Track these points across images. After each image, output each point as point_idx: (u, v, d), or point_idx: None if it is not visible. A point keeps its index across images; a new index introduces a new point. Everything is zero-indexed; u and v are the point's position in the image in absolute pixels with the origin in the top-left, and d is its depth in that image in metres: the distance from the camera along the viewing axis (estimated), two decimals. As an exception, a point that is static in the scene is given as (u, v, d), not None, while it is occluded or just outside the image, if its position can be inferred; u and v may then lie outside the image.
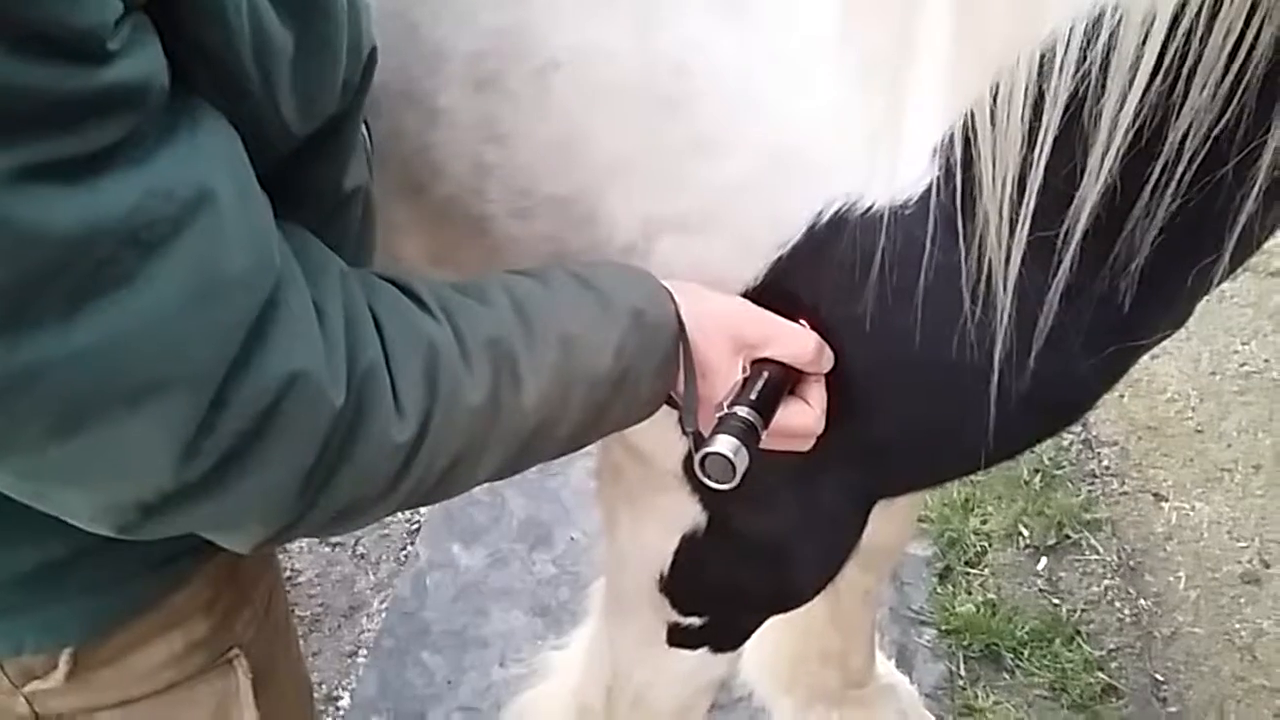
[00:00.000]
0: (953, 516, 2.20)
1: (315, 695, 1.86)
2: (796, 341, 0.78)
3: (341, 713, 1.86)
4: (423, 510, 2.22)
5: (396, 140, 0.87)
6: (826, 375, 0.81)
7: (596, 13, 0.80)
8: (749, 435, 0.73)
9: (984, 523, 2.21)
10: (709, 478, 0.74)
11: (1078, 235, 0.71)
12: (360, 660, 1.94)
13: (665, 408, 0.80)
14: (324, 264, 0.61)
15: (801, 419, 0.79)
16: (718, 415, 0.75)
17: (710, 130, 0.78)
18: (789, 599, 1.10)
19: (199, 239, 0.50)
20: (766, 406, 0.76)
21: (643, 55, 0.79)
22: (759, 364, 0.78)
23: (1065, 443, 2.39)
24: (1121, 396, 2.50)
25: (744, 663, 1.78)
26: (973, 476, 2.29)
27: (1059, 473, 2.33)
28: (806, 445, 0.81)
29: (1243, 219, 0.71)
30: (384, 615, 2.02)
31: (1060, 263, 0.72)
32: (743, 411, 0.74)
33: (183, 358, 0.50)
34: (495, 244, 0.90)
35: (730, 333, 0.77)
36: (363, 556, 2.14)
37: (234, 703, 0.78)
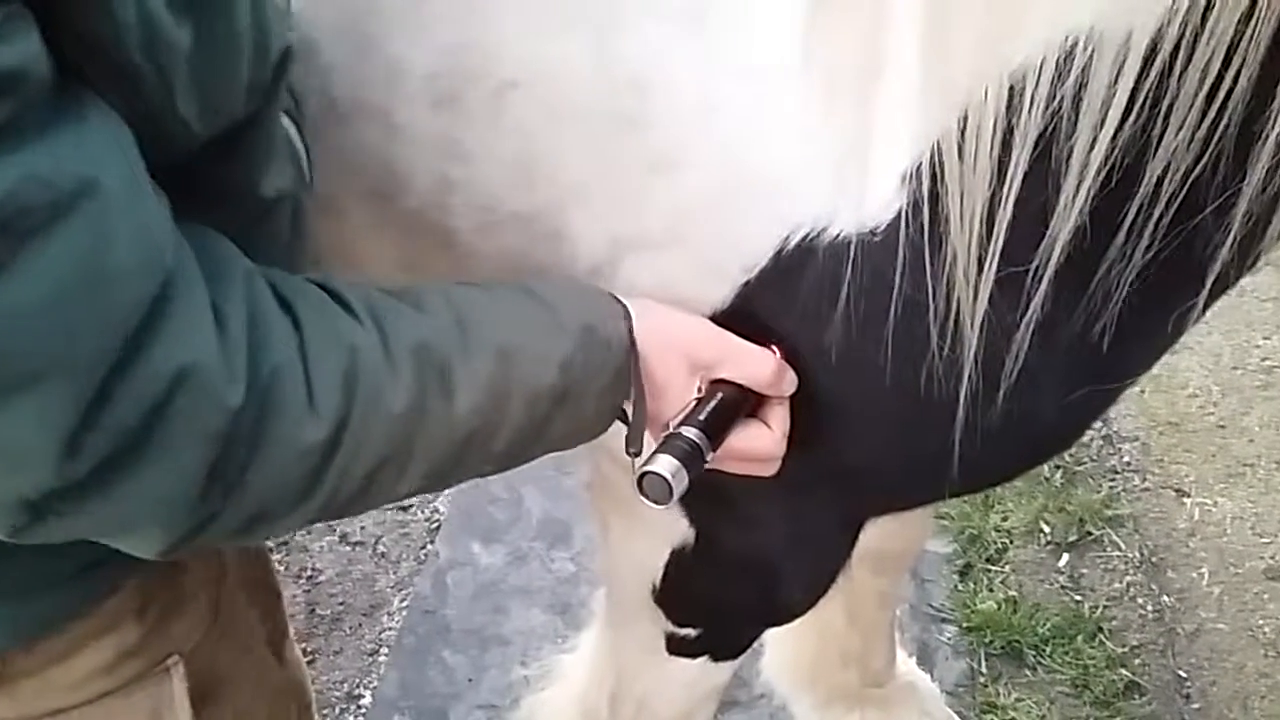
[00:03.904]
0: (973, 513, 2.19)
1: (337, 694, 1.88)
2: (754, 363, 0.76)
3: (363, 711, 1.86)
4: (442, 509, 2.22)
5: (360, 150, 0.86)
6: (798, 400, 0.79)
7: (551, 32, 0.79)
8: (692, 457, 0.72)
9: (1005, 519, 2.20)
10: (645, 496, 0.72)
11: (1049, 274, 0.70)
12: (381, 659, 1.95)
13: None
14: (227, 263, 0.59)
15: (758, 443, 0.77)
16: (663, 434, 0.74)
17: (670, 149, 0.77)
18: (780, 614, 1.10)
19: (80, 230, 0.49)
20: (717, 428, 0.74)
21: (601, 73, 0.77)
22: (716, 385, 0.76)
23: (1086, 439, 2.38)
24: (1142, 392, 2.48)
25: (765, 661, 1.78)
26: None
27: (1080, 469, 2.31)
28: (767, 470, 0.79)
29: (1218, 265, 0.70)
30: (405, 614, 2.02)
31: (1030, 301, 0.71)
32: (689, 432, 0.73)
33: (60, 350, 0.49)
34: (463, 256, 0.89)
35: (685, 351, 0.75)
36: (383, 555, 2.15)
37: (169, 712, 0.76)
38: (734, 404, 0.76)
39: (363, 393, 0.60)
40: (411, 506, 2.20)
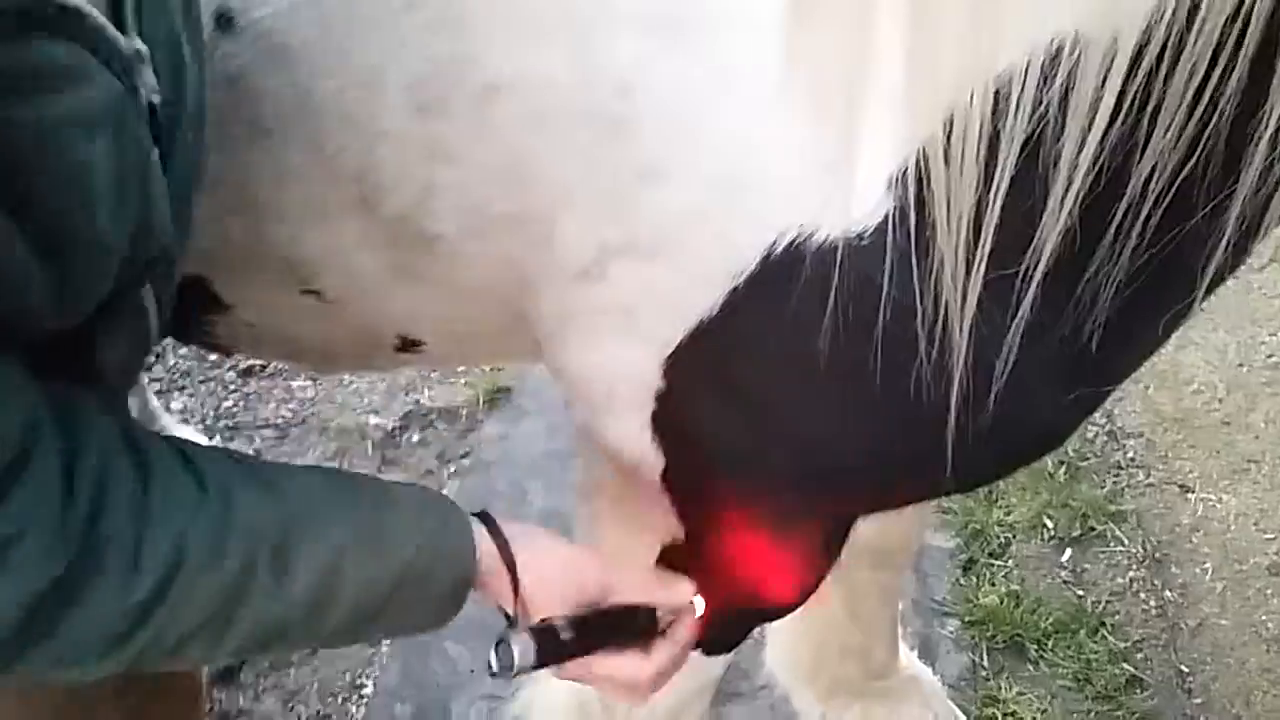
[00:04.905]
0: (976, 509, 2.19)
1: (340, 684, 1.88)
2: (634, 581, 0.82)
3: (365, 700, 1.87)
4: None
5: (341, 158, 0.86)
6: (789, 405, 0.80)
7: (533, 38, 0.78)
8: (550, 654, 0.77)
9: (1008, 514, 2.20)
10: (494, 657, 0.77)
11: (1038, 277, 0.69)
12: (384, 649, 1.95)
13: (637, 418, 0.84)
14: (86, 425, 0.62)
15: (625, 671, 0.82)
16: (542, 621, 0.78)
17: (656, 154, 0.76)
18: (769, 611, 1.10)
19: None
20: (591, 638, 0.79)
21: (584, 78, 0.77)
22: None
23: (1090, 435, 2.38)
24: (1147, 388, 2.48)
25: (766, 654, 1.78)
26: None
27: (1084, 465, 2.31)
28: (633, 699, 0.83)
29: (1213, 268, 0.69)
30: (407, 605, 2.02)
31: (1019, 304, 0.70)
32: (564, 634, 0.78)
33: None
34: (451, 262, 0.89)
35: (566, 581, 0.80)
36: (386, 547, 2.15)
37: None
38: (622, 623, 0.81)
39: (190, 562, 0.63)
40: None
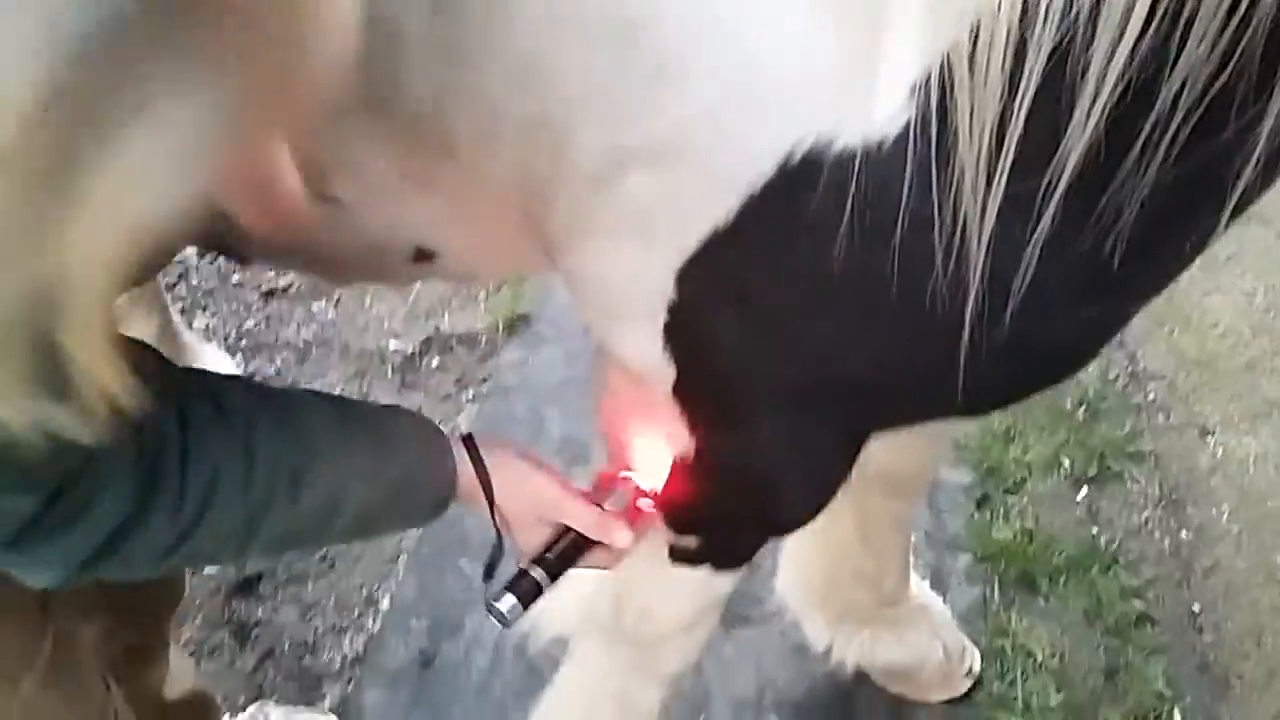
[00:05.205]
0: (993, 446, 2.19)
1: (356, 598, 1.92)
2: (582, 518, 0.95)
3: (380, 614, 1.90)
4: (463, 425, 2.24)
5: (358, 59, 0.85)
6: (803, 315, 0.81)
7: None
8: (532, 594, 0.94)
9: (1024, 453, 2.19)
10: (490, 615, 0.94)
11: (1060, 191, 0.68)
12: (400, 565, 1.98)
13: (649, 328, 0.87)
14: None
15: (600, 562, 0.99)
16: (517, 569, 0.95)
17: (673, 58, 0.75)
18: (778, 525, 1.10)
19: None
20: (560, 564, 0.96)
21: None
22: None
23: (1112, 375, 2.36)
24: (1171, 331, 2.46)
25: (778, 579, 1.80)
26: (1014, 406, 2.27)
27: (1104, 405, 2.30)
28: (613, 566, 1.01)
29: (1241, 186, 0.67)
30: (424, 524, 2.05)
31: (1040, 218, 0.69)
32: (535, 574, 0.94)
33: None
34: (464, 168, 0.88)
35: (533, 504, 0.95)
36: (404, 467, 2.17)
37: None
38: (580, 542, 0.96)
39: (222, 492, 0.76)
40: (439, 421, 2.22)
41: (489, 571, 0.98)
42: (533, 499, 0.95)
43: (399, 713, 1.79)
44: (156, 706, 1.39)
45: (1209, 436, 2.25)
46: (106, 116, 0.40)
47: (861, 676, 1.82)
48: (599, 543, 0.97)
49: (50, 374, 0.47)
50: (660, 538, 1.09)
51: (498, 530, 0.96)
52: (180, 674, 1.43)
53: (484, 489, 0.92)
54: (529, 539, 0.96)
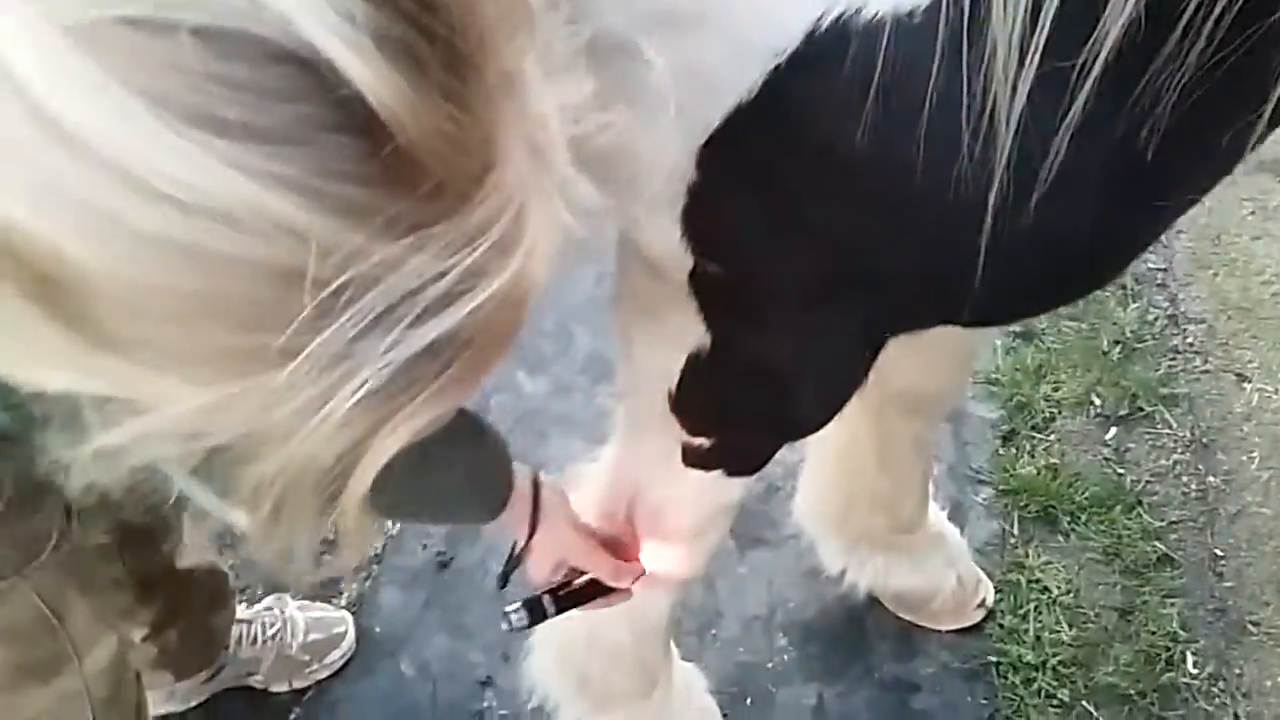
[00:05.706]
0: (1024, 382, 2.16)
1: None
2: (604, 573, 1.17)
3: (392, 533, 1.92)
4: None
5: None
6: (823, 201, 0.79)
7: None
8: (540, 618, 1.16)
9: (1055, 389, 2.16)
10: (504, 619, 1.16)
11: (1095, 72, 0.64)
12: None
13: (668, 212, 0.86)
14: None
15: (614, 600, 1.19)
16: (536, 591, 1.16)
17: None
18: (792, 427, 1.09)
19: None
20: (568, 603, 1.17)
21: None
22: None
23: (1150, 317, 2.32)
24: (1215, 275, 2.40)
25: (795, 502, 1.79)
26: (1049, 343, 2.24)
27: (1140, 346, 2.26)
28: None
29: None
30: (446, 432, 2.06)
31: (1073, 101, 0.66)
32: (547, 602, 1.16)
33: None
34: None
35: (561, 552, 1.14)
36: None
37: None
38: (592, 587, 1.18)
39: None
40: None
41: (504, 580, 1.16)
42: (560, 548, 1.13)
43: (414, 612, 1.82)
44: (166, 571, 1.42)
45: (1245, 383, 2.20)
46: None
47: (873, 602, 1.83)
48: (606, 591, 1.17)
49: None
50: (674, 440, 1.08)
51: (520, 555, 1.13)
52: (195, 547, 1.46)
53: (530, 529, 1.08)
54: (541, 573, 1.15)
